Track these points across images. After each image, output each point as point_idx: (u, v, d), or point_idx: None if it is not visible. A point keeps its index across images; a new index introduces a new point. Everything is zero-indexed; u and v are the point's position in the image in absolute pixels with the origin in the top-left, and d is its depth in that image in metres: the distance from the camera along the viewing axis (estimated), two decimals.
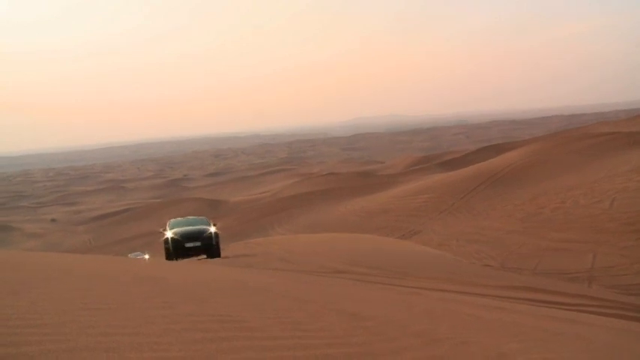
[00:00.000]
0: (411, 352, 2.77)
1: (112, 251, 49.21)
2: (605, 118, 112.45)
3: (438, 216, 28.97)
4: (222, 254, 18.12)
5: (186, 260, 16.47)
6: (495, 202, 27.92)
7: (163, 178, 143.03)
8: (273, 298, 4.53)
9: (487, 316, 4.39)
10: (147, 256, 28.81)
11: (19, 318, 2.90)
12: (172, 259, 16.63)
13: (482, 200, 29.27)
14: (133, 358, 2.33)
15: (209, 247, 17.11)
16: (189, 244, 16.91)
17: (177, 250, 16.86)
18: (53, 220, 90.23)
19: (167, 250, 17.03)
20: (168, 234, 17.29)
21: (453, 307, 4.76)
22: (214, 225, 18.02)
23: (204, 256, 17.62)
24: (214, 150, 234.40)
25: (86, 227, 77.32)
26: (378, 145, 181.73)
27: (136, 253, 32.88)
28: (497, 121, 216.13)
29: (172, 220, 19.14)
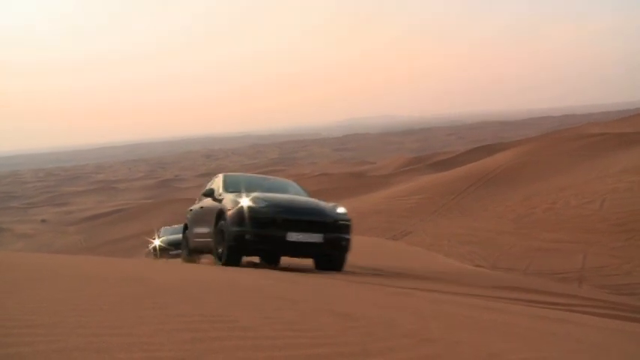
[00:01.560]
0: (402, 351, 2.77)
1: (103, 252, 48.97)
2: (595, 120, 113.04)
3: (429, 217, 29.02)
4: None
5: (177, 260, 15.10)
6: (487, 203, 28.00)
7: (154, 178, 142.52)
8: (265, 298, 4.53)
9: (479, 316, 4.41)
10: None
11: (11, 319, 2.89)
12: (234, 261, 8.57)
13: (473, 201, 29.35)
14: (124, 358, 2.32)
15: (335, 247, 8.81)
16: (297, 237, 8.22)
17: (260, 242, 8.32)
18: (43, 221, 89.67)
19: (237, 238, 8.24)
20: (244, 201, 8.42)
21: (444, 307, 4.77)
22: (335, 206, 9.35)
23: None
24: (205, 150, 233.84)
25: (77, 228, 76.87)
26: (370, 145, 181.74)
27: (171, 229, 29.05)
28: (490, 122, 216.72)
29: (231, 176, 10.82)
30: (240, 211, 8.38)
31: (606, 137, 37.20)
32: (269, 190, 10.04)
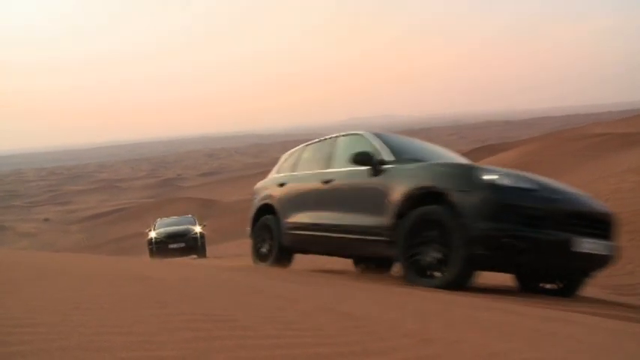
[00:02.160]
0: (403, 351, 2.78)
1: (105, 251, 49.04)
2: (598, 120, 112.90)
3: None
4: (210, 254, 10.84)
5: (178, 259, 15.10)
6: None
7: (157, 177, 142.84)
8: (265, 297, 4.53)
9: (479, 315, 4.41)
10: (198, 229, 24.56)
11: (12, 317, 2.90)
12: (467, 277, 5.71)
13: None
14: (125, 357, 2.33)
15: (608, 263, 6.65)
16: (588, 245, 5.62)
17: (530, 250, 5.34)
18: (46, 220, 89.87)
19: (489, 241, 5.24)
20: (500, 178, 5.32)
21: (445, 307, 4.77)
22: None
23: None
24: (208, 150, 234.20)
25: (79, 227, 77.11)
26: None
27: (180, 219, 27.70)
28: (492, 122, 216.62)
29: (386, 136, 7.26)
30: (493, 196, 5.13)
31: (609, 137, 37.13)
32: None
